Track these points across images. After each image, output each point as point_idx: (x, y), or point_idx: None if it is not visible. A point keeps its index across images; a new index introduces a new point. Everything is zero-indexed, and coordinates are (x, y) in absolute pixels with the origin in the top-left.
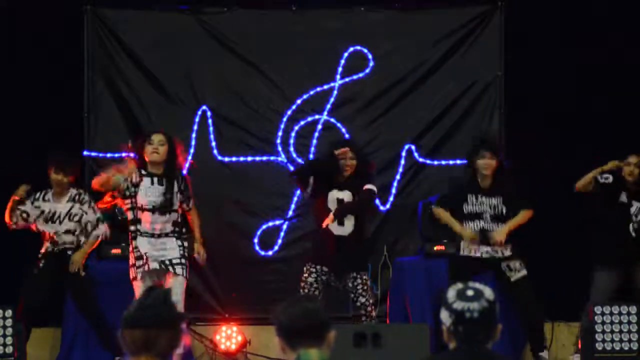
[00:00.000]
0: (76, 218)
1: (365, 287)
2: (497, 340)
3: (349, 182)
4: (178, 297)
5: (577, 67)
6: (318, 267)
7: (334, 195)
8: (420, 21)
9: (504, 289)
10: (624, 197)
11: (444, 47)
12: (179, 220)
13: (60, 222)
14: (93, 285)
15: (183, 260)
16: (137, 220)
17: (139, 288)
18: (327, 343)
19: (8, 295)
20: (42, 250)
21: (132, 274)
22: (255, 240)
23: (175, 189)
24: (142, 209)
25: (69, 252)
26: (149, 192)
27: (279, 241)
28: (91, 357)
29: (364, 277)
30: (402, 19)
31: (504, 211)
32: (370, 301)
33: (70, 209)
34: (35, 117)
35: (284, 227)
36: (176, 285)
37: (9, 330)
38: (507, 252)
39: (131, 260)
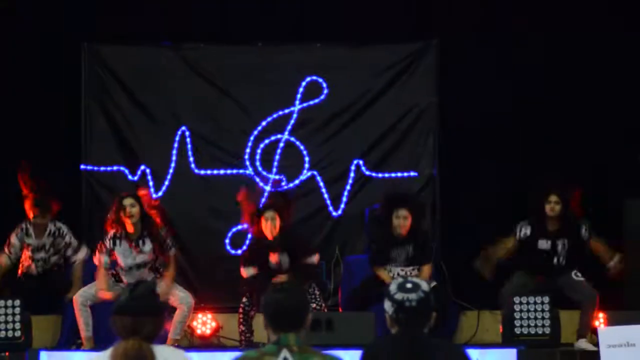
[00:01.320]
0: (59, 246)
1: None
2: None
3: None
4: None
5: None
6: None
7: None
8: (366, 56)
9: None
10: (545, 245)
11: (386, 77)
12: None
13: (47, 252)
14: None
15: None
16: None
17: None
18: (305, 326)
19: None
20: (24, 271)
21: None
22: (227, 241)
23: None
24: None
25: (55, 269)
26: (126, 254)
27: (247, 242)
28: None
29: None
30: (352, 53)
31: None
32: (320, 304)
33: (53, 242)
34: (38, 136)
35: None
36: None
37: (17, 317)
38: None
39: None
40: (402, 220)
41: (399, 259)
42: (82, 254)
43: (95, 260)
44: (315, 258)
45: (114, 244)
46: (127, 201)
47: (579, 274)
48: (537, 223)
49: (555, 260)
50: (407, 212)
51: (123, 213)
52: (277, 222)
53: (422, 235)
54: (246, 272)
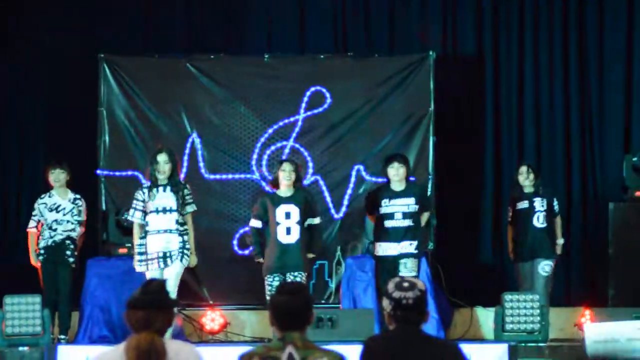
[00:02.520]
0: (75, 218)
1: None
2: (429, 321)
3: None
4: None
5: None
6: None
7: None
8: (367, 67)
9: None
10: (524, 204)
11: (386, 87)
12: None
13: (64, 214)
14: (72, 276)
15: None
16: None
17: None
18: (309, 324)
19: (35, 284)
20: (41, 244)
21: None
22: (234, 242)
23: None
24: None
25: (68, 242)
26: (159, 198)
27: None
28: (102, 332)
29: (303, 277)
30: (354, 65)
31: (416, 209)
32: None
33: (72, 209)
34: (59, 142)
35: None
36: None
37: (37, 314)
38: (413, 250)
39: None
40: (396, 170)
41: (396, 215)
42: (81, 231)
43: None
44: (317, 220)
45: (148, 195)
46: (161, 157)
47: (547, 269)
48: (514, 189)
49: (535, 219)
50: (399, 163)
51: (157, 167)
52: (293, 175)
53: (419, 186)
54: (254, 223)
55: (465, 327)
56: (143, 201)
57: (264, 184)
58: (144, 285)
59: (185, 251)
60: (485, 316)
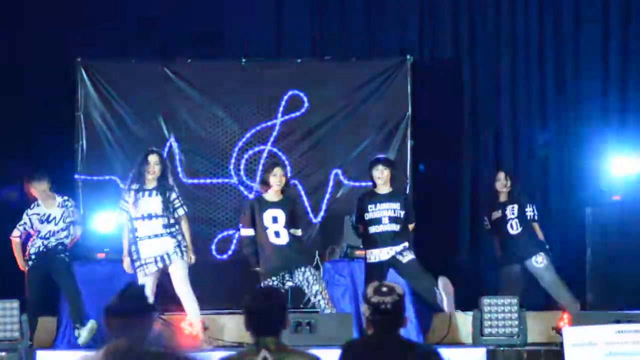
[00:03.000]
0: (67, 220)
1: (315, 277)
2: (408, 325)
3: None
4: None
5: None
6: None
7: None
8: (345, 71)
9: (401, 273)
10: (498, 214)
11: (364, 91)
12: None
13: (56, 223)
14: (72, 265)
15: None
16: (134, 229)
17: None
18: (284, 328)
19: (14, 289)
20: (32, 250)
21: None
22: (213, 247)
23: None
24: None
25: (60, 247)
26: (138, 203)
27: (232, 247)
28: None
29: (310, 269)
30: (331, 69)
31: (401, 215)
32: (323, 286)
33: (63, 213)
34: (37, 146)
35: (236, 236)
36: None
37: (15, 319)
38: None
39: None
40: (380, 172)
41: (383, 219)
42: (79, 231)
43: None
44: (299, 232)
45: (135, 198)
46: (153, 158)
47: (539, 259)
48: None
49: (508, 227)
50: (383, 166)
51: (147, 168)
52: (284, 180)
53: (404, 194)
54: (246, 232)
55: (443, 332)
56: (128, 203)
57: (242, 188)
58: (122, 291)
59: (183, 248)
60: (464, 320)
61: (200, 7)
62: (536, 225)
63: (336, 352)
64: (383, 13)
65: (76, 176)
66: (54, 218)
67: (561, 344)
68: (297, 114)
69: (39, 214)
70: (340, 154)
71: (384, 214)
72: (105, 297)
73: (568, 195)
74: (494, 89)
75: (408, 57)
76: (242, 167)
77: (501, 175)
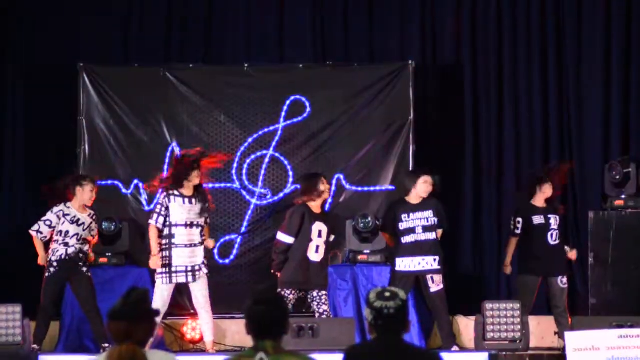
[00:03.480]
0: (92, 233)
1: (326, 297)
2: (410, 330)
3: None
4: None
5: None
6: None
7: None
8: (347, 76)
9: (426, 298)
10: (539, 220)
11: (366, 96)
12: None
13: (84, 229)
14: (93, 283)
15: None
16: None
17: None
18: (284, 333)
19: (16, 293)
20: (54, 257)
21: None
22: (215, 251)
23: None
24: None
25: (82, 256)
26: (182, 209)
27: (234, 252)
28: (82, 342)
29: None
30: (333, 74)
31: (436, 222)
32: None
33: (91, 223)
34: (39, 151)
35: (238, 240)
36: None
37: (18, 323)
38: (436, 266)
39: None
40: (428, 187)
41: (417, 229)
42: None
43: (154, 225)
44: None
45: (169, 200)
46: (194, 174)
47: (564, 281)
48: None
49: (548, 237)
50: (432, 180)
51: (187, 176)
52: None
53: (435, 201)
54: (285, 239)
55: None
56: (167, 208)
57: (244, 192)
58: (125, 296)
59: (205, 261)
60: (466, 325)
61: (203, 12)
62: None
63: (339, 357)
64: (385, 18)
65: None
66: (83, 224)
67: (563, 349)
68: (299, 118)
69: (69, 215)
70: (342, 159)
71: (418, 224)
72: (107, 301)
73: (571, 200)
74: (496, 94)
75: (410, 61)
76: (244, 172)
77: (547, 185)
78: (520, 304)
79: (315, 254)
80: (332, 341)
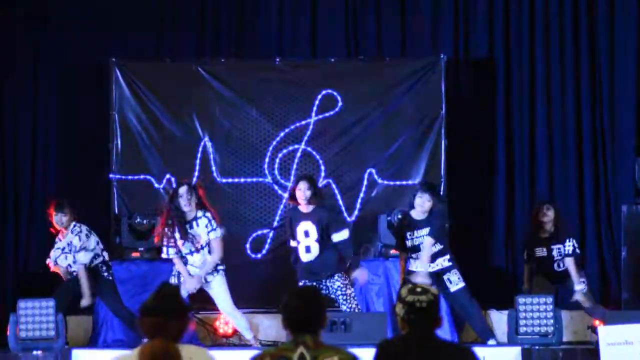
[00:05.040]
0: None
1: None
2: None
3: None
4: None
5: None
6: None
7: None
8: (379, 70)
9: (447, 298)
10: (541, 252)
11: (397, 90)
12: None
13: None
14: (115, 286)
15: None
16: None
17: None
18: (322, 328)
19: (48, 289)
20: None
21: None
22: (247, 246)
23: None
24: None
25: (101, 265)
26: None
27: (266, 246)
28: (116, 336)
29: (341, 279)
30: (365, 68)
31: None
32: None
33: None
34: (71, 146)
35: (270, 235)
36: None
37: (51, 318)
38: (446, 264)
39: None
40: (422, 202)
41: (422, 247)
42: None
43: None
44: (344, 233)
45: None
46: (183, 189)
47: (580, 288)
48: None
49: (554, 266)
50: (428, 196)
51: (181, 202)
52: (309, 193)
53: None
54: (292, 243)
55: None
56: (175, 239)
57: (276, 187)
58: (157, 291)
59: (219, 267)
60: (499, 319)
61: (235, 6)
62: (571, 260)
63: (371, 351)
64: (417, 12)
65: (111, 176)
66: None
67: (597, 343)
68: (331, 113)
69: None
70: (374, 153)
71: (421, 241)
72: (139, 296)
73: (603, 193)
74: (528, 87)
75: (442, 56)
76: (276, 166)
77: (550, 213)
78: (554, 298)
79: (306, 254)
80: (364, 336)
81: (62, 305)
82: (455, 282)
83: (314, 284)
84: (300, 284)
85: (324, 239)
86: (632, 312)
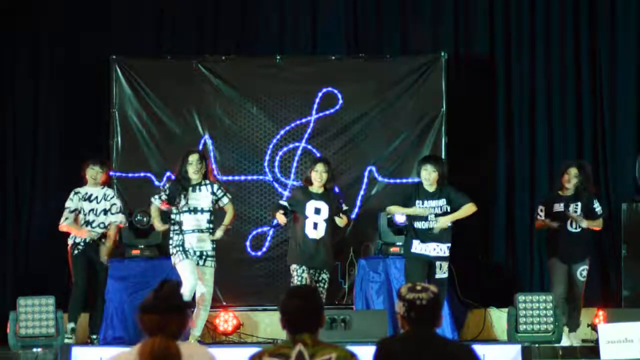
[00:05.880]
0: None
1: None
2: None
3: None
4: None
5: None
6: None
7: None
8: (379, 68)
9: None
10: (559, 207)
11: (398, 88)
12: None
13: (98, 202)
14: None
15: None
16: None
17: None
18: (320, 327)
19: (48, 286)
20: (77, 240)
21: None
22: (247, 243)
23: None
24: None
25: (103, 240)
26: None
27: (267, 244)
28: (118, 335)
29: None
30: (365, 66)
31: (448, 210)
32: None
33: (104, 195)
34: (72, 143)
35: (270, 232)
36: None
37: (51, 315)
38: (447, 253)
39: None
40: (428, 174)
41: (430, 217)
42: (119, 217)
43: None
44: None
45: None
46: (194, 157)
47: (584, 273)
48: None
49: (568, 225)
50: (432, 166)
51: (189, 168)
52: (325, 176)
53: (448, 188)
54: (282, 202)
55: (478, 328)
56: (170, 197)
57: (276, 185)
58: (157, 289)
59: (215, 256)
60: (499, 317)
61: (235, 3)
62: (600, 221)
63: (371, 349)
64: (417, 10)
65: (111, 173)
66: (96, 197)
67: (597, 341)
68: (332, 111)
69: (80, 193)
70: (374, 151)
71: (431, 212)
72: (140, 292)
73: (603, 191)
74: (528, 85)
75: (442, 53)
76: (276, 164)
77: (572, 170)
78: (553, 296)
79: (313, 231)
80: (364, 333)
81: (75, 316)
82: (443, 270)
83: (304, 268)
84: (297, 268)
85: (332, 222)
86: (632, 310)
